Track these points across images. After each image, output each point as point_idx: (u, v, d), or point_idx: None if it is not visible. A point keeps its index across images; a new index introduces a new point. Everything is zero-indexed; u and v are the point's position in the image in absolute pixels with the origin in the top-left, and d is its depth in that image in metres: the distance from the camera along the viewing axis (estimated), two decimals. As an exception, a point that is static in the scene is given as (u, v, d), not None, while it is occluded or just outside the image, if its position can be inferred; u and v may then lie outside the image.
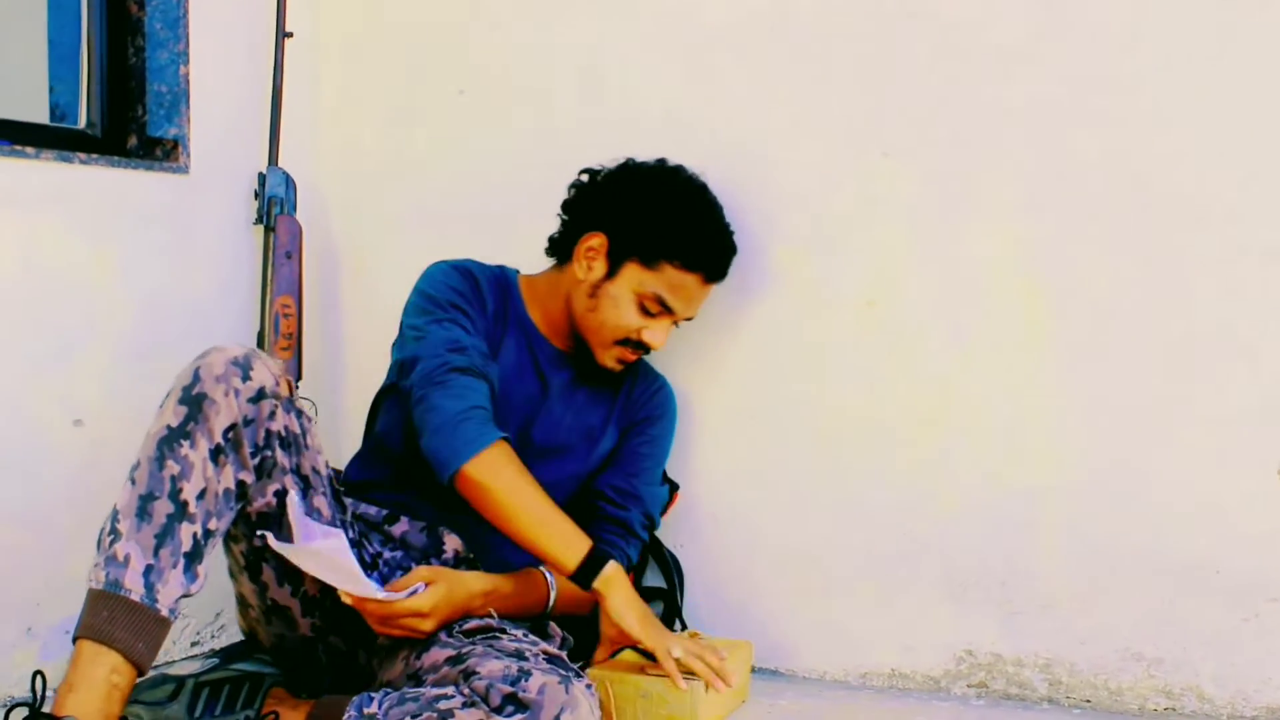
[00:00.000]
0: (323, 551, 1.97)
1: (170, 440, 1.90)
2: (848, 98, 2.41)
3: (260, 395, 1.96)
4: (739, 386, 2.52)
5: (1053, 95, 2.27)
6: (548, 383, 2.37)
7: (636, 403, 2.43)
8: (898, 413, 2.39)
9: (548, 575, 2.22)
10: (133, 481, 1.89)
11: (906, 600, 2.40)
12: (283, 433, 2.00)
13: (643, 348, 2.31)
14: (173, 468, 1.88)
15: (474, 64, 2.75)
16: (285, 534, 2.01)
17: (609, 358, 2.33)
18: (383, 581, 2.11)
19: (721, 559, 2.54)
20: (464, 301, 2.29)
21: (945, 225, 2.34)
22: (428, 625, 2.02)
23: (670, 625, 2.45)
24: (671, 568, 2.53)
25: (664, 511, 2.48)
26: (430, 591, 2.02)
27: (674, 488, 2.51)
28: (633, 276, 2.27)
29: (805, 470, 2.47)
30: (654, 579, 2.55)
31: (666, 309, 2.28)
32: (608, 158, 2.36)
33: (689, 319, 2.33)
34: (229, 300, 2.74)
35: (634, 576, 2.43)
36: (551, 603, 2.22)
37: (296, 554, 1.99)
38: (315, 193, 2.88)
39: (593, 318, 2.31)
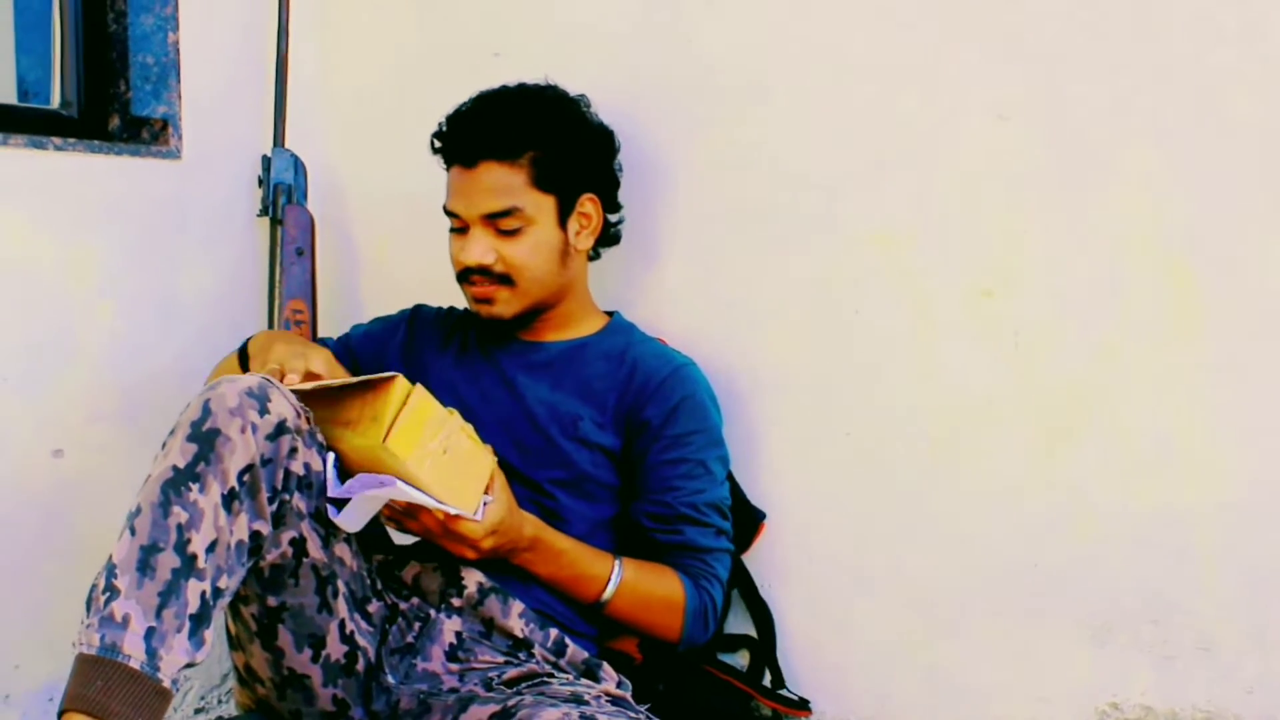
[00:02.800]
0: (383, 495, 2.05)
1: (177, 483, 1.89)
2: (956, 50, 2.38)
3: (280, 430, 1.97)
4: (829, 399, 2.50)
5: (1204, 45, 2.22)
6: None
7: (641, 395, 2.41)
8: (1021, 423, 2.35)
9: (618, 559, 2.30)
10: (132, 531, 1.87)
11: (1036, 644, 2.37)
12: (302, 473, 2.01)
13: (473, 272, 2.37)
14: (179, 515, 1.88)
15: (512, 22, 2.75)
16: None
17: (470, 303, 2.43)
18: (401, 636, 2.19)
19: (815, 600, 2.52)
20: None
21: (1075, 200, 2.30)
22: (486, 545, 2.14)
23: (759, 678, 2.48)
24: (762, 613, 2.52)
25: (748, 545, 2.49)
26: (492, 510, 2.14)
27: (758, 518, 2.50)
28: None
29: (911, 494, 2.44)
30: (739, 624, 2.54)
31: (455, 215, 2.38)
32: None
33: (489, 219, 2.35)
34: (230, 307, 2.74)
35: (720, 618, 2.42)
36: (611, 589, 2.28)
37: (362, 503, 2.06)
38: (329, 178, 2.88)
39: None
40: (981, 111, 2.37)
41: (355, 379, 2.08)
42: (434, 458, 2.05)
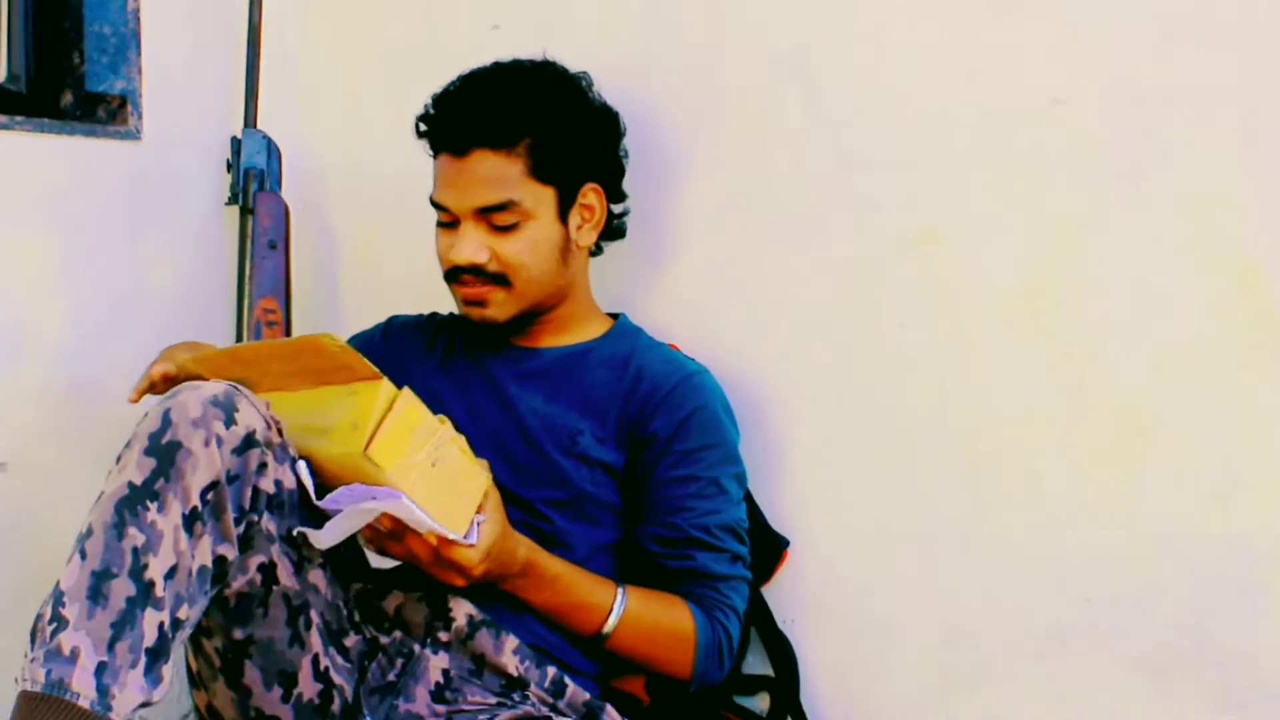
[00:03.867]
0: (377, 509, 2.02)
1: (133, 502, 1.87)
2: (1005, 25, 2.36)
3: (248, 443, 1.95)
4: (858, 414, 2.48)
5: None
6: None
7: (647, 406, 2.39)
8: (1070, 444, 2.33)
9: (621, 587, 2.27)
10: (82, 554, 1.85)
11: (1086, 688, 2.35)
12: (272, 491, 2.00)
13: (464, 271, 2.36)
14: (135, 538, 1.85)
15: (511, -10, 2.75)
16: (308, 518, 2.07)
17: (460, 305, 2.41)
18: (381, 674, 2.18)
19: (843, 636, 2.51)
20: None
21: (1136, 195, 2.28)
22: (478, 572, 2.11)
23: (782, 721, 2.47)
24: (782, 650, 2.50)
25: (770, 576, 2.48)
26: (485, 531, 2.11)
27: (781, 546, 2.49)
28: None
29: (948, 520, 2.42)
30: (758, 663, 2.52)
31: (444, 209, 2.37)
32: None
33: (482, 213, 2.34)
34: (195, 305, 2.73)
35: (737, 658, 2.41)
36: (614, 620, 2.27)
37: (349, 517, 2.04)
38: (305, 162, 2.87)
39: None
40: (1033, 94, 2.34)
41: (289, 339, 2.07)
42: (421, 471, 2.03)
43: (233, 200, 2.76)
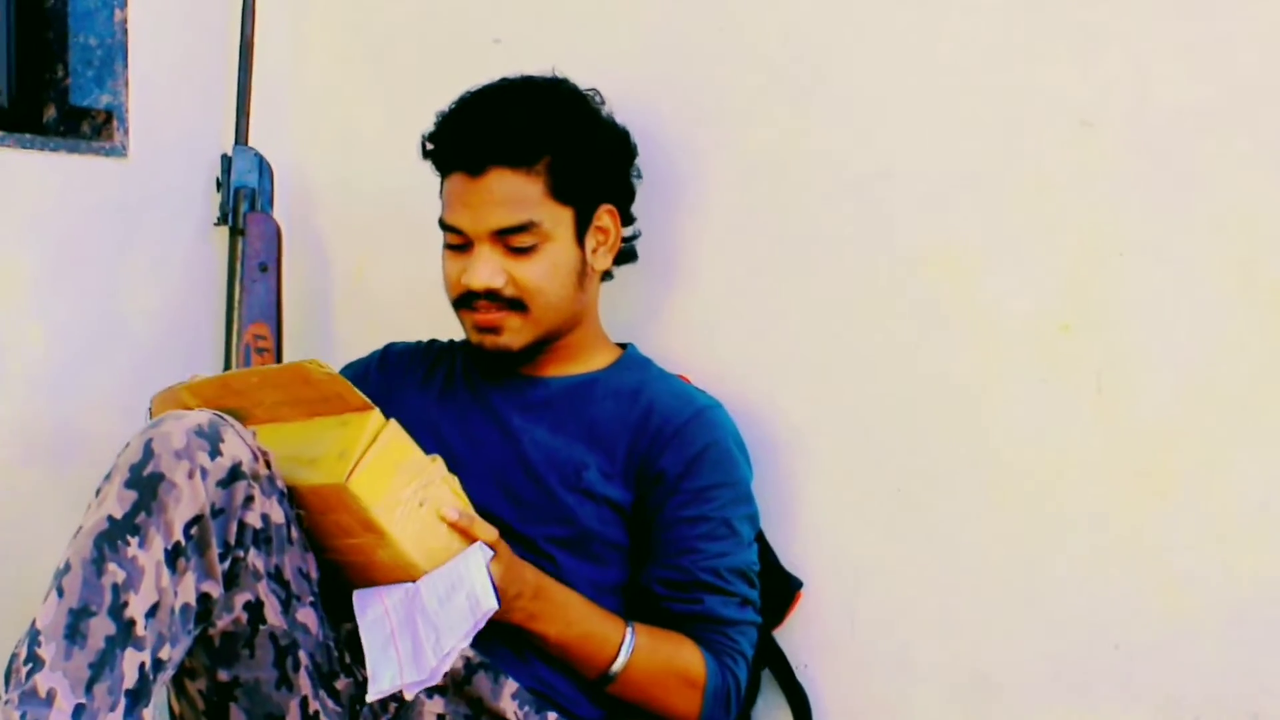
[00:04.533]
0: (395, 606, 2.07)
1: (113, 537, 1.87)
2: (1034, 44, 2.36)
3: (234, 475, 1.95)
4: (878, 449, 2.48)
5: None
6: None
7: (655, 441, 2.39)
8: (1103, 478, 2.33)
9: (629, 624, 2.28)
10: (60, 591, 1.86)
11: (1115, 737, 2.34)
12: (259, 525, 2.00)
13: (477, 297, 2.36)
14: (115, 574, 1.86)
15: (513, 3, 2.74)
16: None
17: (471, 333, 2.41)
18: (374, 718, 2.16)
19: (859, 682, 2.50)
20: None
21: (1170, 219, 2.27)
22: None
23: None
24: (797, 696, 2.50)
25: (782, 618, 2.48)
26: (491, 567, 2.10)
27: (793, 587, 2.49)
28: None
29: (971, 558, 2.42)
30: (770, 710, 2.52)
31: (457, 231, 2.36)
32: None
33: (499, 235, 2.34)
34: (182, 331, 2.74)
35: (744, 706, 2.41)
36: (624, 657, 2.27)
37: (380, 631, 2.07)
38: (299, 181, 2.88)
39: None
40: (1062, 115, 2.34)
41: (278, 365, 2.08)
42: (406, 508, 2.04)
43: (222, 220, 2.76)
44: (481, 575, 2.06)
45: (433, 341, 2.61)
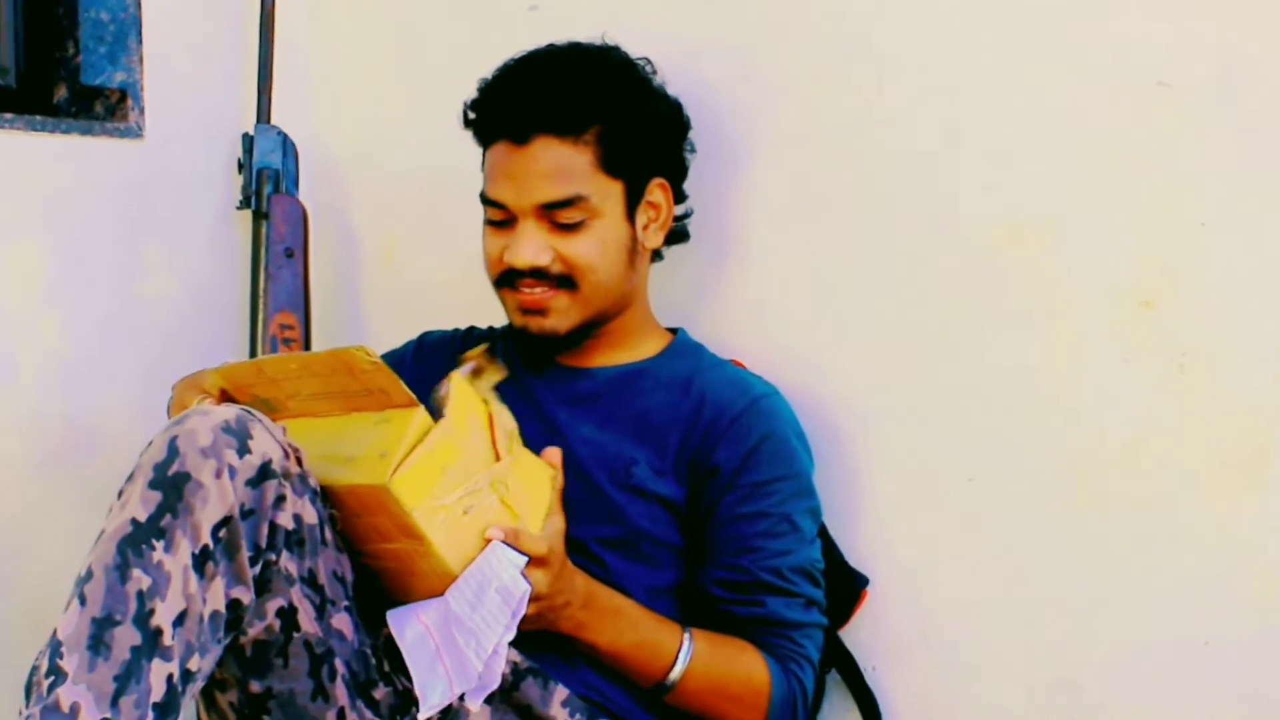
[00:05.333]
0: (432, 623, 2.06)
1: (137, 541, 1.88)
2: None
3: (264, 474, 1.95)
4: (947, 436, 2.48)
5: None
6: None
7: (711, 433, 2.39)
8: (1190, 468, 2.32)
9: (686, 630, 2.28)
10: (81, 600, 1.86)
11: (1205, 741, 2.34)
12: (291, 527, 2.00)
13: (521, 275, 2.36)
14: (140, 580, 1.87)
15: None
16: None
17: (514, 314, 2.41)
18: None
19: (930, 684, 2.50)
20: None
21: (1257, 185, 2.26)
22: (533, 611, 2.10)
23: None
24: (866, 701, 2.50)
25: (847, 618, 2.48)
26: (539, 579, 2.10)
27: (859, 585, 2.49)
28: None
29: (1048, 551, 2.41)
30: (836, 717, 2.52)
31: (499, 205, 2.36)
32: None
33: (545, 209, 2.34)
34: (203, 322, 2.77)
35: (811, 711, 2.41)
36: (681, 665, 2.26)
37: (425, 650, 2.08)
38: (324, 160, 2.90)
39: None
40: (1138, 75, 2.33)
41: (319, 352, 2.07)
42: (449, 515, 2.05)
43: (245, 204, 2.78)
44: (508, 566, 2.06)
45: (471, 329, 2.61)
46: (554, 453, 2.22)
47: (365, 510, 2.06)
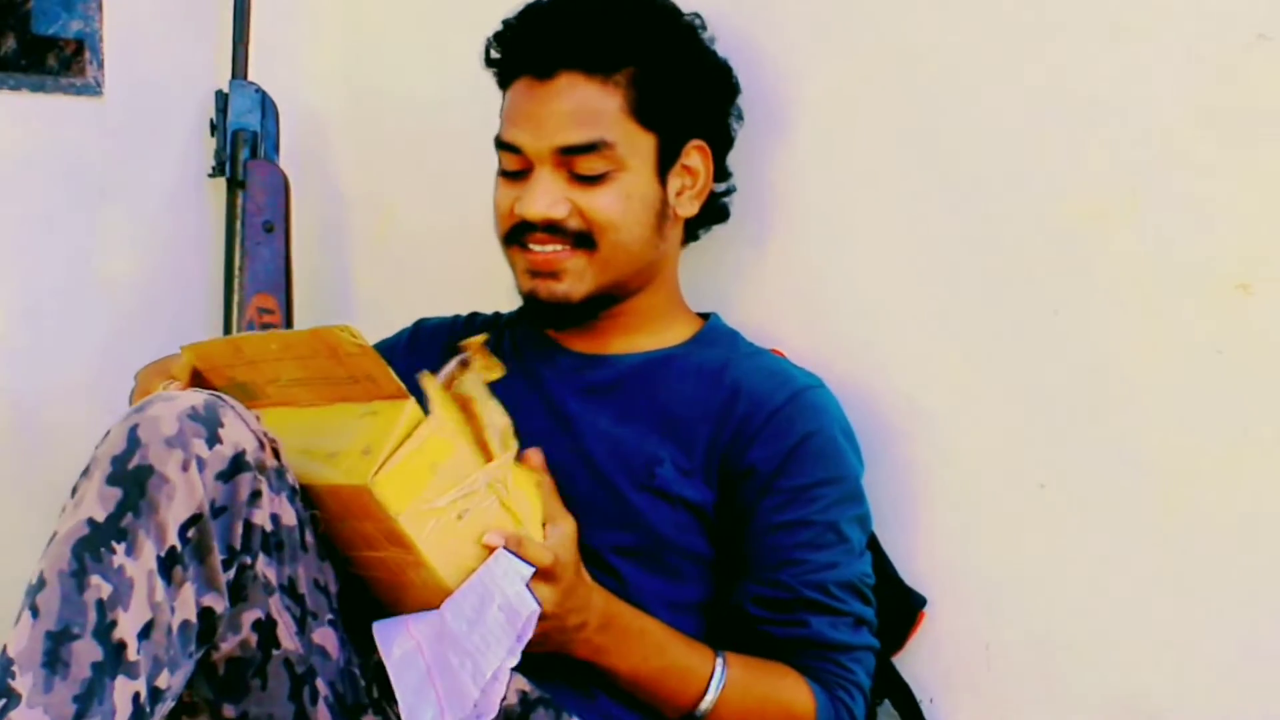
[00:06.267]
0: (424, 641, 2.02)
1: (95, 544, 1.85)
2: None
3: (237, 466, 1.93)
4: (1015, 437, 2.45)
5: None
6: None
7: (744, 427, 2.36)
8: (1285, 469, 2.31)
9: (719, 654, 2.25)
10: (34, 611, 1.83)
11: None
12: (269, 528, 1.98)
13: (534, 229, 2.35)
14: (100, 588, 1.83)
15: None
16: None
17: (522, 278, 2.40)
18: None
19: (997, 715, 2.49)
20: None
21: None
22: (547, 626, 2.07)
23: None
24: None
25: (902, 642, 2.46)
26: (547, 595, 2.06)
27: (916, 605, 2.47)
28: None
29: (1132, 566, 2.38)
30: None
31: (514, 150, 2.36)
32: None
33: (564, 154, 2.33)
34: (169, 303, 2.77)
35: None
36: (713, 694, 2.23)
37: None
38: (308, 121, 2.90)
39: None
40: (1232, 28, 2.30)
41: (302, 330, 2.05)
42: (441, 520, 2.01)
43: (218, 171, 2.78)
44: (513, 579, 2.02)
45: (473, 315, 2.60)
46: (535, 454, 2.18)
47: (348, 513, 2.03)
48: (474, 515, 2.03)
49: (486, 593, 2.01)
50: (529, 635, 2.01)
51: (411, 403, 2.01)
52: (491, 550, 2.03)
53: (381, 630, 2.06)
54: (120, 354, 2.60)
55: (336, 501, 2.03)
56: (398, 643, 2.05)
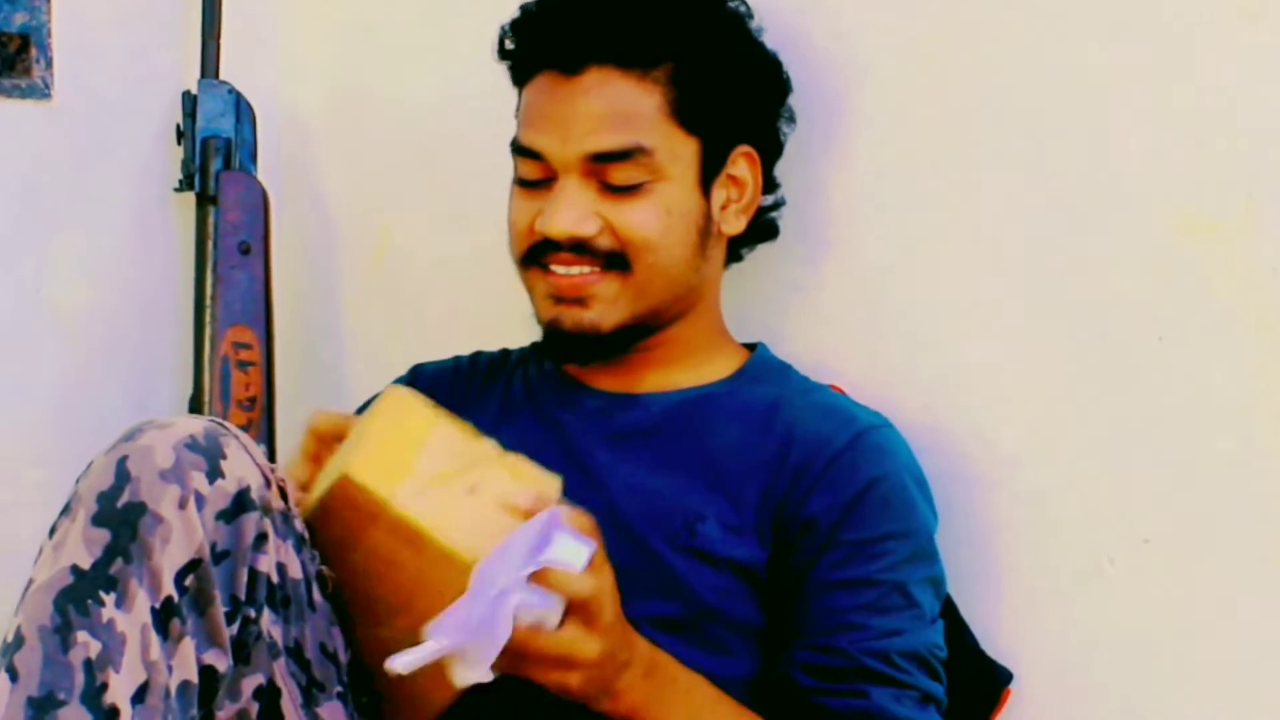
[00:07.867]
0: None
1: (80, 595, 1.85)
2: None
3: (240, 505, 1.93)
4: (1116, 484, 2.45)
5: None
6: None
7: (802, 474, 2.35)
8: None
9: None
10: (12, 674, 1.83)
11: None
12: (276, 578, 1.98)
13: (557, 249, 2.34)
14: (88, 645, 1.83)
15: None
16: None
17: (543, 305, 2.39)
18: None
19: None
20: None
21: None
22: (592, 652, 2.01)
23: None
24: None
25: None
26: (583, 641, 2.01)
27: (1001, 682, 2.47)
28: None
29: (1253, 642, 2.38)
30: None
31: (535, 156, 2.35)
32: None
33: (595, 162, 2.32)
34: (129, 335, 2.79)
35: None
36: None
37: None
38: (290, 127, 2.93)
39: None
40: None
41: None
42: (447, 493, 1.99)
43: (186, 184, 2.79)
44: (561, 537, 1.97)
45: (477, 355, 2.59)
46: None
47: (348, 530, 2.03)
48: (487, 487, 2.01)
49: (530, 547, 1.95)
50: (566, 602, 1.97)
51: (396, 389, 2.08)
52: (524, 513, 1.98)
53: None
54: (75, 397, 2.64)
55: (336, 521, 2.03)
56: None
